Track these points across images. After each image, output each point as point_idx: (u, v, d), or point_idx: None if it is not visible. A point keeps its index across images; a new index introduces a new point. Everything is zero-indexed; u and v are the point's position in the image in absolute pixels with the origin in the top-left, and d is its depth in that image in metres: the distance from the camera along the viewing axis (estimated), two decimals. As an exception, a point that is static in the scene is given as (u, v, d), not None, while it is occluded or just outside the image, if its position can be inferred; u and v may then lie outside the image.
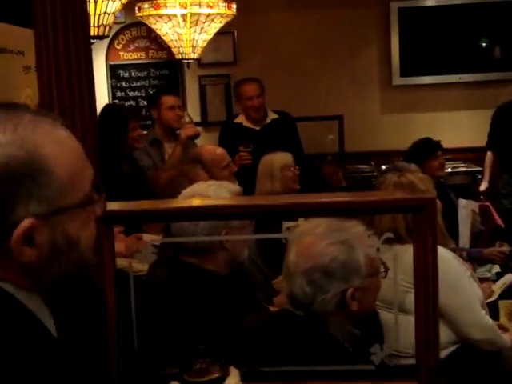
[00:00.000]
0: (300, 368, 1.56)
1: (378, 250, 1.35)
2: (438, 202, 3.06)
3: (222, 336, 1.95)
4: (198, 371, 1.24)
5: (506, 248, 4.14)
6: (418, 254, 1.27)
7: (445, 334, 2.61)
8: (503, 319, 3.15)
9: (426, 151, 4.51)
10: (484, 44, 6.49)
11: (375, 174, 5.76)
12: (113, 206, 1.48)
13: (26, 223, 1.00)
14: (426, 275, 1.27)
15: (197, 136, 4.62)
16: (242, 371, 1.54)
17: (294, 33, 6.45)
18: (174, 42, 4.62)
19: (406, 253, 1.63)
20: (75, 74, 1.33)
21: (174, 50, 4.72)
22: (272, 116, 5.17)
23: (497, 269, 3.92)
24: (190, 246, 2.28)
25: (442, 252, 2.62)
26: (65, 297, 1.10)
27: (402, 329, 2.05)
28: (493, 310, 3.08)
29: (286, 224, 3.45)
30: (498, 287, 3.60)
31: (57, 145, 1.04)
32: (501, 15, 6.42)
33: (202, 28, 4.48)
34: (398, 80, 6.45)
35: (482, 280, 3.48)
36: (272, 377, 1.56)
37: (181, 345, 1.37)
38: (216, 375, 1.23)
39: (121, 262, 1.81)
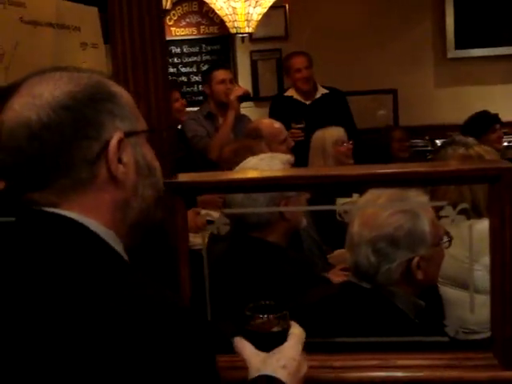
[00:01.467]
0: (368, 339, 1.55)
1: (453, 221, 1.33)
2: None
3: (287, 309, 1.95)
4: (259, 325, 1.25)
5: None
6: (496, 225, 1.25)
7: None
8: None
9: (483, 124, 4.44)
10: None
11: (429, 148, 5.69)
12: (181, 176, 1.49)
13: (117, 136, 1.07)
14: (504, 246, 1.25)
15: (247, 97, 4.63)
16: (311, 342, 1.55)
17: (346, 6, 6.37)
18: (229, 17, 4.61)
19: (474, 228, 1.60)
20: (149, 51, 1.33)
21: (229, 25, 4.71)
22: (322, 91, 5.14)
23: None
24: (250, 220, 2.28)
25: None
26: (141, 239, 1.13)
27: (466, 305, 2.04)
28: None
29: (339, 200, 3.43)
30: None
31: (116, 83, 1.14)
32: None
33: (256, 1, 4.45)
34: (452, 53, 6.33)
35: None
36: (339, 348, 1.56)
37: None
38: (279, 328, 1.24)
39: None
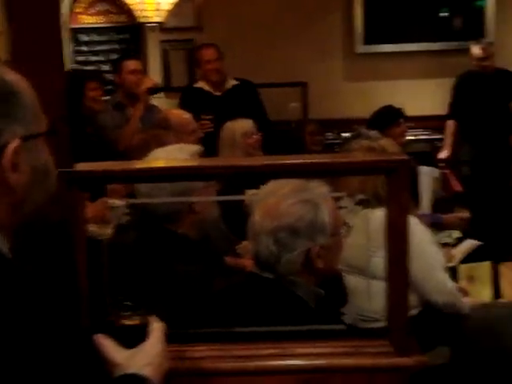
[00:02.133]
0: (268, 328, 1.57)
1: (351, 211, 1.36)
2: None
3: (192, 299, 1.95)
4: (118, 321, 1.27)
5: (465, 214, 4.21)
6: (392, 215, 1.28)
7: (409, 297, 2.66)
8: (463, 282, 3.22)
9: (388, 119, 4.54)
10: (445, 14, 6.53)
11: (338, 141, 5.78)
12: (79, 166, 1.46)
13: (14, 143, 1.03)
14: (399, 235, 1.28)
15: (157, 89, 4.61)
16: (212, 332, 1.56)
17: (258, -1, 6.41)
18: (138, 5, 4.55)
19: (373, 217, 1.65)
20: (43, 38, 1.30)
21: (137, 13, 4.65)
22: (233, 82, 5.16)
23: (456, 234, 3.99)
24: (158, 210, 2.27)
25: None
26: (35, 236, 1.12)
27: (366, 292, 2.09)
28: (454, 276, 3.15)
29: (249, 192, 3.46)
30: (458, 252, 3.66)
31: (18, 77, 1.08)
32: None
33: (166, -10, 4.41)
34: (361, 48, 6.45)
35: (442, 245, 3.54)
36: (240, 337, 1.57)
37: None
38: (137, 323, 1.27)
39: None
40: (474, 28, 6.39)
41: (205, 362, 1.36)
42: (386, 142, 2.95)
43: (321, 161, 1.30)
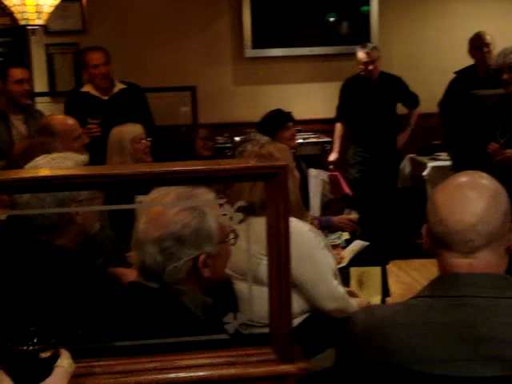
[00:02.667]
0: (152, 341, 1.52)
1: (231, 218, 1.34)
2: (297, 174, 3.13)
3: (72, 312, 1.88)
4: (20, 354, 1.14)
5: (354, 215, 4.29)
6: (271, 220, 1.27)
7: (297, 303, 2.67)
8: (354, 285, 3.28)
9: (277, 122, 4.57)
10: (332, 19, 6.66)
11: (229, 145, 5.79)
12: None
13: None
14: (279, 242, 1.27)
15: None
16: (93, 347, 1.50)
17: (146, 2, 6.32)
18: (17, 7, 4.38)
19: (259, 224, 1.63)
20: None
21: (17, 16, 4.48)
22: (120, 86, 5.06)
23: (346, 236, 4.06)
24: (36, 221, 2.18)
25: (298, 224, 2.67)
26: None
27: (256, 299, 2.07)
28: (344, 276, 3.20)
29: (138, 198, 3.39)
30: (348, 253, 3.73)
31: None
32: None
33: (47, -8, 4.27)
34: (250, 52, 6.48)
35: (332, 247, 3.59)
36: (125, 351, 1.51)
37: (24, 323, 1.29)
38: (47, 354, 1.14)
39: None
40: (360, 33, 6.55)
41: (82, 380, 1.30)
42: (275, 148, 2.95)
43: (199, 168, 1.27)
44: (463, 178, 1.54)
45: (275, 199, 1.25)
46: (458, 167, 5.60)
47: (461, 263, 1.46)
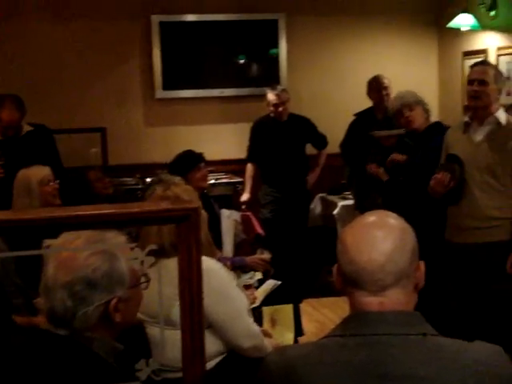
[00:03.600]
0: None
1: (142, 262, 1.32)
2: (204, 213, 3.13)
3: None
4: None
5: (266, 255, 4.31)
6: (183, 264, 1.26)
7: (213, 344, 2.64)
8: (266, 325, 3.28)
9: (188, 163, 4.56)
10: (241, 61, 6.76)
11: (140, 186, 5.74)
12: None
13: None
14: (191, 285, 1.26)
15: None
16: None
17: (55, 43, 6.25)
18: None
19: (170, 265, 1.62)
20: None
21: None
22: (27, 128, 4.96)
23: (259, 276, 4.07)
24: None
25: (210, 263, 2.65)
26: None
27: (170, 342, 2.04)
28: (257, 316, 3.19)
29: (46, 242, 3.31)
30: (261, 293, 3.74)
31: None
32: (256, 34, 6.72)
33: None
34: (160, 93, 6.49)
35: (245, 287, 3.59)
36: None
37: None
38: None
39: None
40: (270, 75, 6.67)
41: None
42: (182, 189, 2.95)
43: (110, 211, 1.25)
44: (371, 217, 1.57)
45: (187, 242, 1.25)
46: (360, 206, 5.74)
47: (371, 302, 1.48)
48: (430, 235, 3.65)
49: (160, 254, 2.09)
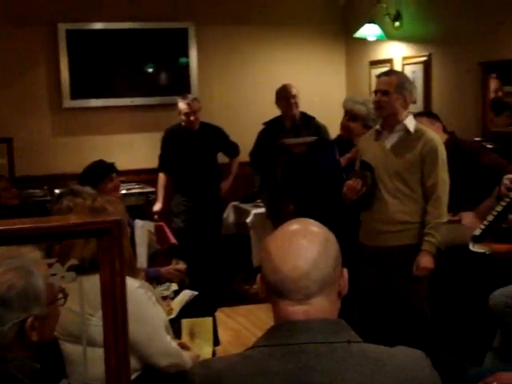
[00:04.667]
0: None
1: (63, 278, 1.27)
2: (128, 228, 3.06)
3: None
4: None
5: (181, 265, 4.27)
6: (105, 280, 1.22)
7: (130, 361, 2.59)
8: (185, 337, 3.23)
9: (100, 173, 4.48)
10: (150, 69, 6.70)
11: (49, 198, 5.59)
12: None
13: None
14: (115, 301, 1.22)
15: None
16: None
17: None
18: None
19: (86, 282, 1.57)
20: None
21: None
22: None
23: (174, 286, 4.03)
24: None
25: (128, 282, 2.58)
26: None
27: (87, 360, 1.98)
28: (175, 328, 3.14)
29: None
30: (177, 304, 3.69)
31: None
32: (165, 42, 6.68)
33: None
34: (68, 103, 6.35)
35: (161, 299, 3.54)
36: None
37: None
38: None
39: None
40: (181, 84, 6.64)
41: None
42: (107, 201, 2.88)
43: (25, 226, 1.19)
44: (294, 225, 1.56)
45: (109, 256, 1.21)
46: (272, 214, 5.79)
47: (296, 310, 1.48)
48: (346, 240, 3.70)
49: (79, 270, 2.03)
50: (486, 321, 3.85)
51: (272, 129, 5.74)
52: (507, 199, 3.51)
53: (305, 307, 1.48)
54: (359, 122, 4.42)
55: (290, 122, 5.68)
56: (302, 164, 4.65)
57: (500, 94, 5.42)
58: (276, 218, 5.70)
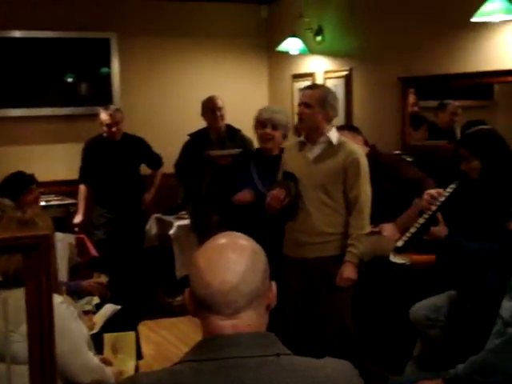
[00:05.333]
0: None
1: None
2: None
3: None
4: None
5: (103, 279, 4.21)
6: (31, 296, 1.18)
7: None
8: (108, 352, 3.18)
9: (19, 185, 4.38)
10: (70, 79, 6.59)
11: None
12: None
13: None
14: (41, 318, 1.19)
15: None
16: None
17: None
18: None
19: (10, 298, 1.53)
20: None
21: None
22: None
23: (96, 300, 3.96)
24: None
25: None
26: None
27: (4, 379, 1.92)
28: (97, 343, 3.09)
29: None
30: (99, 318, 3.63)
31: None
32: (87, 52, 6.58)
33: None
34: (-14, 112, 6.18)
35: (83, 313, 3.47)
36: None
37: None
38: None
39: None
40: (102, 94, 6.55)
41: None
42: (36, 214, 2.80)
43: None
44: (222, 239, 1.55)
45: (36, 272, 1.17)
46: (196, 226, 5.78)
47: (225, 325, 1.47)
48: (270, 251, 3.71)
49: (1, 284, 1.98)
50: (405, 331, 3.94)
51: (197, 140, 5.73)
52: (430, 212, 3.61)
53: (234, 321, 1.47)
54: (280, 131, 4.45)
55: (215, 134, 5.68)
56: (226, 176, 4.65)
57: (416, 108, 5.58)
58: (200, 229, 5.69)
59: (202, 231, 5.58)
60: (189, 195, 5.81)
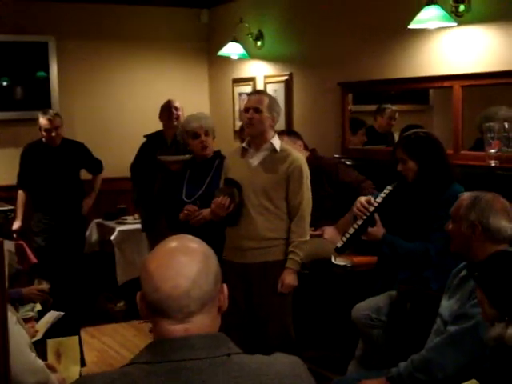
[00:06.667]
0: None
1: None
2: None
3: None
4: None
5: (44, 285, 4.15)
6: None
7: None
8: (51, 358, 3.15)
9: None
10: (5, 83, 6.47)
11: None
12: None
13: None
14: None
15: None
16: None
17: None
18: None
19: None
20: None
21: None
22: None
23: (38, 307, 3.91)
24: None
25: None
26: None
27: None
28: (40, 349, 3.05)
29: None
30: (42, 325, 3.58)
31: None
32: (23, 56, 6.48)
33: None
34: None
35: (25, 320, 3.43)
36: None
37: None
38: None
39: None
40: (40, 98, 6.46)
41: None
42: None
43: None
44: (173, 243, 1.55)
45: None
46: (148, 228, 5.75)
47: (177, 329, 1.47)
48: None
49: None
50: (347, 331, 4.01)
51: (153, 142, 5.72)
52: (364, 217, 3.72)
53: (186, 326, 1.48)
54: (211, 135, 4.49)
55: (170, 138, 5.69)
56: (177, 181, 4.63)
57: (349, 112, 5.67)
58: (151, 231, 5.67)
59: (153, 233, 5.57)
60: (141, 197, 5.78)
